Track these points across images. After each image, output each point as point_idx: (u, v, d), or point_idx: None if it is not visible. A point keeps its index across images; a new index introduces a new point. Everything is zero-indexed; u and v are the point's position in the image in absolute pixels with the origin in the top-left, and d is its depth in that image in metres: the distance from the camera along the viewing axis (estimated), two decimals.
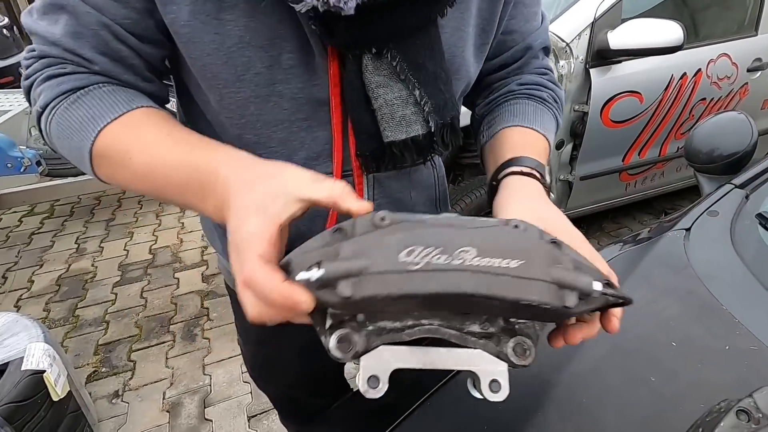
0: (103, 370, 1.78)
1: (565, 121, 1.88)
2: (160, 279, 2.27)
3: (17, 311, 1.78)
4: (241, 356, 0.95)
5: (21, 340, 1.22)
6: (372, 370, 0.30)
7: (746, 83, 2.22)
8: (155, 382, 1.72)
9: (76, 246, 2.55)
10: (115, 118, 0.42)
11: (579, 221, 2.29)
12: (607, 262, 0.37)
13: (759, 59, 2.21)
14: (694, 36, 2.05)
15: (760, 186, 0.79)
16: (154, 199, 0.50)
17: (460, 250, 0.28)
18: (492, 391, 0.32)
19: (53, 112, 0.44)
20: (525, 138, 0.53)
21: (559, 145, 1.95)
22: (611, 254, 0.76)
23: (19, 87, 4.26)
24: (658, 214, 2.74)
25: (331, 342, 0.30)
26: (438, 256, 0.28)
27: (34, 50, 0.45)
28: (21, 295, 2.19)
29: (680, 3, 2.15)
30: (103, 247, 2.54)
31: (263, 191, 0.34)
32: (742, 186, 0.81)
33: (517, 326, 0.33)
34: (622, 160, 2.11)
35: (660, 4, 2.05)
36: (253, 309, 0.32)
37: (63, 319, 2.03)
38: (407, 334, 0.32)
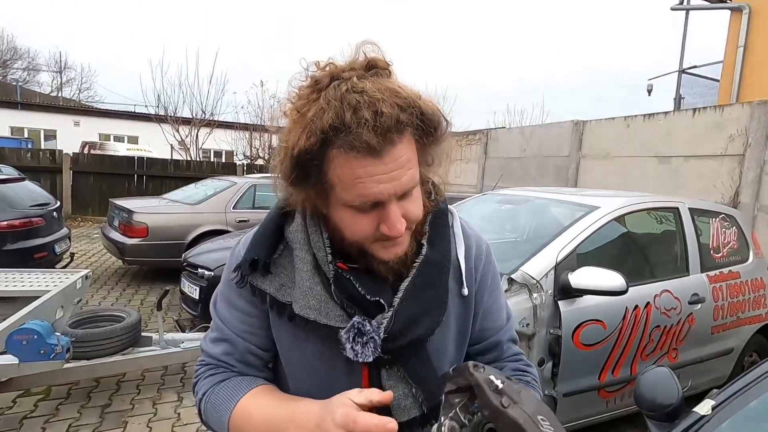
0: None
1: (542, 341, 2.20)
2: None
3: None
4: None
5: None
6: None
7: (691, 313, 2.64)
8: None
9: None
10: (243, 396, 0.72)
11: None
12: None
13: (696, 294, 2.69)
14: (639, 276, 2.56)
15: None
16: None
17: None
18: None
19: (206, 397, 0.74)
20: None
21: (541, 363, 2.22)
22: None
23: (53, 266, 4.66)
24: (644, 428, 2.82)
25: None
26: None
27: (203, 360, 0.78)
28: None
29: (624, 250, 2.74)
30: None
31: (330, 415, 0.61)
32: None
33: None
34: (598, 378, 2.35)
35: (606, 249, 2.62)
36: None
37: None
38: None
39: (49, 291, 2.96)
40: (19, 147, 12.36)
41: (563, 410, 2.25)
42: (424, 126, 0.62)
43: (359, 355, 0.65)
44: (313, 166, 0.60)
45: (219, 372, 0.76)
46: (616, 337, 2.35)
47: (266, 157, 14.88)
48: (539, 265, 2.24)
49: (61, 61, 27.31)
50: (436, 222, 0.74)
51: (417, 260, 0.70)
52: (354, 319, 0.66)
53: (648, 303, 2.46)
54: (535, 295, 2.17)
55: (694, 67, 9.34)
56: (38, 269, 3.78)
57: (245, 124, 15.38)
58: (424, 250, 0.71)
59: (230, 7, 53.80)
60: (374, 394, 0.62)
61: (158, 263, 5.52)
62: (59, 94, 26.69)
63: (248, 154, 15.09)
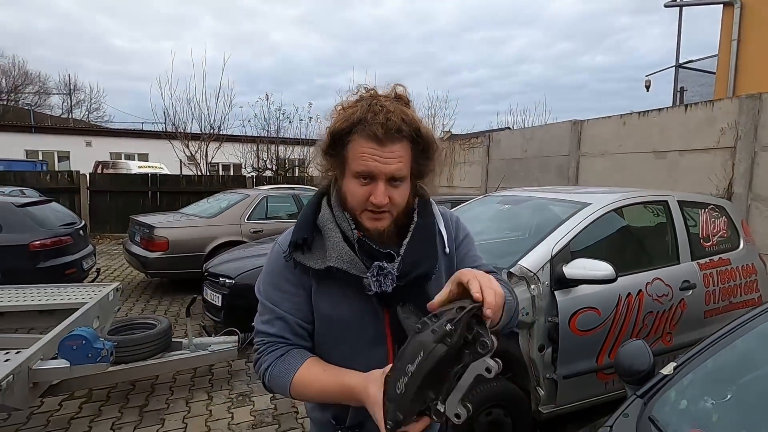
0: None
1: (542, 329, 2.40)
2: None
3: None
4: None
5: None
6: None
7: (683, 299, 2.83)
8: None
9: None
10: (300, 366, 0.94)
11: (572, 417, 2.59)
12: None
13: (687, 281, 2.87)
14: (632, 265, 2.75)
15: (652, 396, 1.25)
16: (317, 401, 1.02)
17: None
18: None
19: (270, 369, 0.96)
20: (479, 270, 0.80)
21: (541, 348, 2.42)
22: None
23: (81, 282, 4.94)
24: None
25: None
26: None
27: (262, 339, 0.99)
28: None
29: (618, 242, 2.94)
30: None
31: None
32: (642, 396, 1.26)
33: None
34: (596, 362, 2.54)
35: (601, 243, 2.82)
36: None
37: None
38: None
39: (86, 303, 3.23)
40: (35, 169, 12.82)
41: (564, 392, 2.45)
42: (419, 140, 0.90)
43: (382, 286, 0.88)
44: (339, 143, 0.89)
45: (278, 347, 0.97)
46: (611, 323, 2.54)
47: (274, 168, 15.23)
48: (536, 259, 2.45)
49: (70, 83, 28.07)
50: (422, 204, 1.01)
51: (412, 226, 0.96)
52: (375, 262, 0.89)
53: (640, 290, 2.65)
54: (533, 286, 2.38)
55: (691, 61, 9.49)
56: (72, 284, 4.07)
57: (252, 136, 15.75)
58: (416, 219, 0.97)
59: (237, 25, 54.72)
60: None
61: (179, 275, 5.79)
62: (70, 116, 27.37)
63: (256, 166, 15.43)
